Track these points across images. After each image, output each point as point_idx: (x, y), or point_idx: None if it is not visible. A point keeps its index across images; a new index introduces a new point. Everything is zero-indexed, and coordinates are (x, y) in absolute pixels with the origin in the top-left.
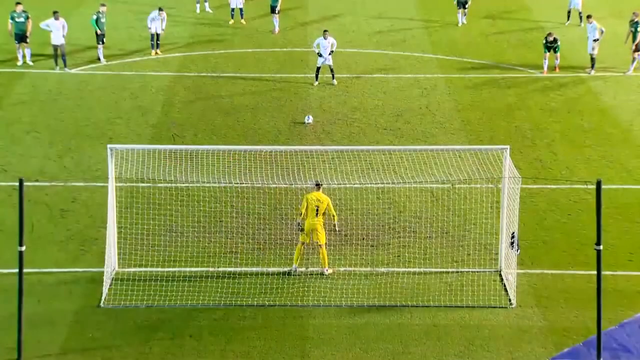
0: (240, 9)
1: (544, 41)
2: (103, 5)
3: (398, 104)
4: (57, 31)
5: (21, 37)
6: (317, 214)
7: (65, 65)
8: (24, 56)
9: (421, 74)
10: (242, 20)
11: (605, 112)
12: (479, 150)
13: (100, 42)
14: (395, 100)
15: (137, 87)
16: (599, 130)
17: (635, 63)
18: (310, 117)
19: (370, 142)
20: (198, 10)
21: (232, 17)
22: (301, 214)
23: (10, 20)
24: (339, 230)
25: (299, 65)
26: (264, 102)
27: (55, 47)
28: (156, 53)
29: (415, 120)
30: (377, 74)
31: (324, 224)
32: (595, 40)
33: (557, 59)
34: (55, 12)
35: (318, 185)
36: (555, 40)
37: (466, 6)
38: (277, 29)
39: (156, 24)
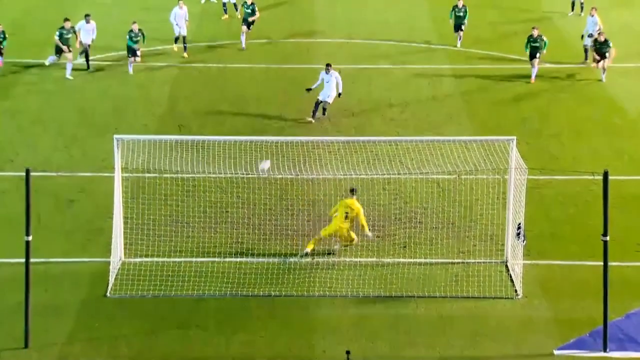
0: (234, 4)
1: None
2: (134, 22)
3: (404, 95)
4: (86, 33)
5: (68, 49)
6: (346, 218)
7: (88, 67)
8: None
9: (428, 65)
10: (226, 16)
11: (613, 102)
12: (485, 141)
13: (132, 55)
14: (401, 91)
15: (144, 77)
16: (607, 121)
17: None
18: (267, 163)
19: (376, 132)
20: (203, 1)
21: (237, 11)
22: (330, 215)
23: (57, 37)
24: (372, 240)
25: (305, 56)
26: (270, 92)
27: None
28: (178, 49)
29: (422, 111)
30: (383, 65)
31: (351, 227)
32: (590, 36)
33: (535, 67)
34: (87, 15)
35: (352, 191)
36: (537, 40)
37: (462, 27)
38: (244, 44)
39: (180, 22)
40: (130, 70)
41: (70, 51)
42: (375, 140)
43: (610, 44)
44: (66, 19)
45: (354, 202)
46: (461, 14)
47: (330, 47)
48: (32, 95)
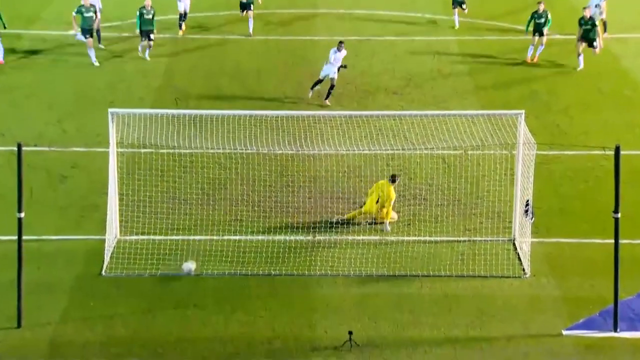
0: None
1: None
2: None
3: (409, 68)
4: (93, 3)
5: (89, 32)
6: (377, 201)
7: (99, 42)
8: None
9: (433, 37)
10: None
11: (624, 75)
12: (492, 115)
13: (146, 39)
14: (405, 64)
15: (140, 49)
16: (618, 94)
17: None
18: (193, 264)
19: (379, 107)
20: None
21: None
22: (365, 194)
23: (74, 15)
24: (385, 231)
25: (306, 27)
26: (270, 65)
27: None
28: (183, 32)
29: (427, 84)
30: (387, 37)
31: (380, 210)
32: (596, 7)
33: (542, 45)
34: None
35: (393, 178)
36: (542, 15)
37: (463, 6)
38: (251, 31)
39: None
40: (141, 52)
41: (92, 36)
42: (379, 114)
43: (596, 22)
44: None
45: (390, 190)
46: None
47: (331, 18)
48: (24, 68)
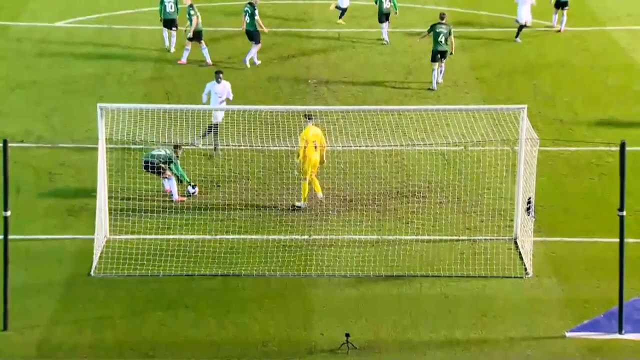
0: None
1: None
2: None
3: (408, 61)
4: (218, 98)
5: (197, 36)
6: (316, 149)
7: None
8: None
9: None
10: None
11: (631, 68)
12: (494, 110)
13: (172, 27)
14: (404, 57)
15: (129, 41)
16: (625, 88)
17: None
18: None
19: (377, 101)
20: None
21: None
22: (298, 155)
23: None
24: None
25: (302, 19)
26: (264, 58)
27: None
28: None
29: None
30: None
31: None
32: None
33: (563, 16)
34: (218, 73)
35: (309, 118)
36: None
37: (388, 18)
38: (208, 60)
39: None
40: (167, 43)
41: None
42: (377, 109)
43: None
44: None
45: (316, 129)
46: None
47: (329, 10)
48: (9, 60)
